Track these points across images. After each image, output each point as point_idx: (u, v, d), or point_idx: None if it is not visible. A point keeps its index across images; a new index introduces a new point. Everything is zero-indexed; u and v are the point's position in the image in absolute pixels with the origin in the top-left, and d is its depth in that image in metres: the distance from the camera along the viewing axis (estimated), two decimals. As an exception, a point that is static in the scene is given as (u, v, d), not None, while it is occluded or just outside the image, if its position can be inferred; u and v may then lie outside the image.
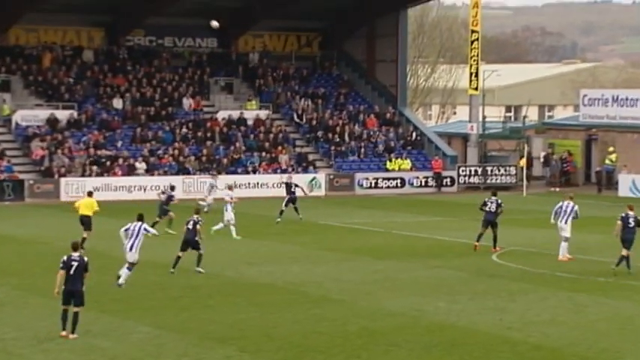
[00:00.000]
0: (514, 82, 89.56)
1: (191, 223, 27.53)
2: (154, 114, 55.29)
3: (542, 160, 59.62)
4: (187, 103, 56.77)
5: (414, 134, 58.66)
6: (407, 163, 56.06)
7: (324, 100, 59.67)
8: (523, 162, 54.74)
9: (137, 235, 25.42)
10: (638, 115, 55.33)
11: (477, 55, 58.43)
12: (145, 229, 25.55)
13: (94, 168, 50.32)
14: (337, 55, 62.58)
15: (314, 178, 53.04)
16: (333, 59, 62.57)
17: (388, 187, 54.69)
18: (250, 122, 56.55)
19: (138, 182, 50.03)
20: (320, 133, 57.15)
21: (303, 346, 20.10)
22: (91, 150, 51.59)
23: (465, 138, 60.29)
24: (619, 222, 28.23)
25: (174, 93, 57.07)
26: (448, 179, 55.58)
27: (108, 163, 50.93)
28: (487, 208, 32.20)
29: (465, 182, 55.83)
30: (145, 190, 49.47)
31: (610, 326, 21.88)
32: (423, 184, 55.13)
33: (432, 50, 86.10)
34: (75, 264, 20.15)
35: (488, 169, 56.42)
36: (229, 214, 35.15)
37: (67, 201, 47.48)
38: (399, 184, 54.79)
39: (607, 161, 55.10)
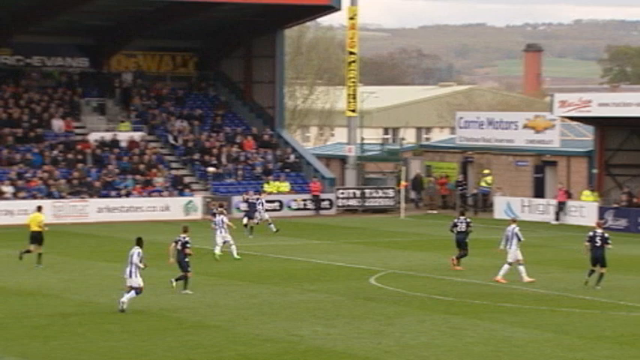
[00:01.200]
0: (391, 104, 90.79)
1: (179, 243, 27.76)
2: (22, 135, 54.14)
3: (410, 182, 60.26)
4: (57, 124, 55.78)
5: (292, 156, 58.86)
6: (285, 186, 56.17)
7: (200, 121, 59.40)
8: (403, 184, 55.46)
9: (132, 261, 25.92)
10: (512, 138, 56.72)
11: (355, 77, 59.05)
12: (139, 255, 25.73)
13: (-41, 191, 48.92)
14: (214, 75, 62.45)
15: (190, 202, 52.66)
16: (210, 80, 62.40)
17: (266, 209, 54.59)
18: (124, 144, 55.87)
19: (5, 207, 48.82)
20: (196, 155, 56.84)
21: (177, 374, 19.87)
22: (-45, 172, 50.19)
23: (343, 160, 60.78)
24: (586, 243, 29.69)
25: (43, 114, 56.00)
26: (327, 202, 55.93)
27: (-27, 186, 49.60)
28: (458, 229, 32.93)
29: (343, 205, 56.24)
30: (12, 214, 48.30)
31: (486, 349, 22.26)
32: (302, 206, 55.32)
33: (310, 71, 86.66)
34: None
35: (367, 191, 56.99)
36: (226, 236, 36.07)
37: None
38: (278, 207, 54.82)
39: (482, 183, 56.28)
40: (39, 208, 34.57)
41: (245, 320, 25.11)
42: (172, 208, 50.96)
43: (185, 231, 28.33)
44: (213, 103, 61.67)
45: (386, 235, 41.63)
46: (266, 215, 44.93)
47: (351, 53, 59.08)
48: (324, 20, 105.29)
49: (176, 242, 28.22)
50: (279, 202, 55.09)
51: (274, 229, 44.14)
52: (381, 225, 49.55)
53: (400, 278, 32.27)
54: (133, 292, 25.84)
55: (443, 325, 24.70)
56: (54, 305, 26.32)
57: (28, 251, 33.71)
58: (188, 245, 27.82)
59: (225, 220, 36.39)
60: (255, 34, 60.80)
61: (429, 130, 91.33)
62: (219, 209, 37.36)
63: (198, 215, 52.04)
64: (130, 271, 25.93)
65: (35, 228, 33.40)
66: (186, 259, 27.86)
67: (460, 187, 57.17)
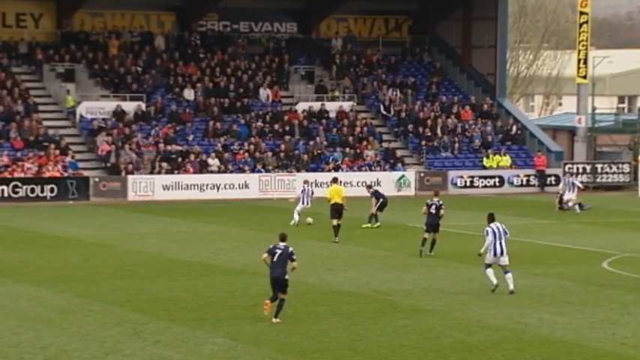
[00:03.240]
0: (628, 70, 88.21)
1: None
2: (228, 106, 55.76)
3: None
4: (265, 94, 57.13)
5: (514, 128, 58.17)
6: (506, 160, 55.59)
7: (414, 90, 59.51)
8: None
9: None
10: None
11: (586, 40, 57.69)
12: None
13: (164, 165, 50.92)
14: (429, 40, 62.37)
15: (402, 176, 52.92)
16: (425, 45, 62.37)
17: (485, 186, 54.31)
18: (333, 115, 56.67)
19: (210, 180, 50.45)
20: (409, 127, 57.02)
21: (391, 360, 20.11)
22: (161, 145, 52.23)
23: (572, 132, 59.62)
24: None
25: (249, 83, 57.48)
26: (553, 178, 54.98)
27: (179, 159, 51.50)
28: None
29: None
30: (218, 188, 49.88)
31: None
32: (525, 182, 54.63)
33: (535, 34, 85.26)
34: (278, 252, 22.90)
35: (599, 166, 55.68)
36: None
37: (135, 201, 48.19)
38: (497, 183, 54.36)
39: None
40: (335, 180, 38.30)
41: (463, 305, 25.08)
42: (384, 183, 51.30)
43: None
44: (428, 70, 61.65)
45: (620, 214, 40.60)
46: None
47: (583, 13, 57.75)
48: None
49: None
50: (500, 177, 54.59)
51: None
52: (614, 204, 48.35)
53: (637, 263, 31.42)
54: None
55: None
56: (261, 285, 27.07)
57: (336, 227, 35.09)
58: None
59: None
60: (475, -6, 60.37)
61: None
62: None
63: (411, 191, 52.22)
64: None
65: (337, 200, 35.64)
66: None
67: None
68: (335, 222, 35.54)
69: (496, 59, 60.17)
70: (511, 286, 26.21)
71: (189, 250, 33.18)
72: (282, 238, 23.19)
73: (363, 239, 36.26)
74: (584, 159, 57.08)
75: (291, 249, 22.98)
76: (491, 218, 26.84)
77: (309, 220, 38.84)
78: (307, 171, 51.96)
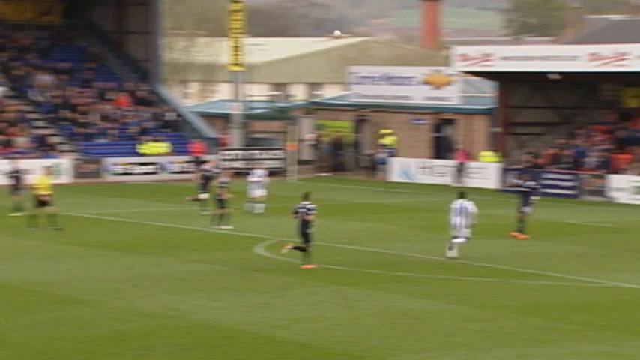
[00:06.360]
0: (280, 58, 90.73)
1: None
2: None
3: (311, 143, 60.56)
4: None
5: (171, 114, 58.42)
6: (163, 147, 55.76)
7: (68, 75, 58.45)
8: (293, 145, 55.49)
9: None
10: (410, 94, 57.27)
11: (240, 28, 58.76)
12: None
13: None
14: (85, 25, 61.41)
15: (52, 165, 51.83)
16: (80, 30, 61.36)
17: (143, 173, 54.22)
18: (-18, 100, 54.70)
19: None
20: (64, 113, 55.96)
21: (43, 353, 19.67)
22: None
23: (227, 119, 60.60)
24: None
25: None
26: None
27: None
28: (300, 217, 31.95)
29: (228, 167, 56.09)
30: None
31: (380, 321, 22.58)
32: (182, 169, 55.02)
33: (190, 21, 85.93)
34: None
35: (253, 152, 56.96)
36: None
37: None
38: (154, 170, 54.43)
39: (384, 143, 56.62)
40: None
41: (120, 294, 24.97)
42: (36, 171, 49.78)
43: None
44: (83, 56, 60.70)
45: (274, 200, 41.69)
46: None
47: (235, 1, 58.74)
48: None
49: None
50: (157, 164, 54.69)
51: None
52: (268, 189, 49.59)
53: (289, 246, 32.39)
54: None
55: (335, 297, 24.94)
56: None
57: None
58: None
59: None
60: (129, -22, 60.06)
61: (320, 86, 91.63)
62: None
63: (66, 179, 51.27)
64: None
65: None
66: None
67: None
68: None
69: (151, 45, 60.13)
70: None
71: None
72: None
73: (12, 229, 35.24)
74: (239, 145, 58.18)
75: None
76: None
77: None
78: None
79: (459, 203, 30.27)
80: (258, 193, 40.29)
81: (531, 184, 35.22)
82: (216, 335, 21.13)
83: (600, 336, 21.38)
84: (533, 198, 34.73)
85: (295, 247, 28.83)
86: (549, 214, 40.13)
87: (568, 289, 26.40)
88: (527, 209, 34.50)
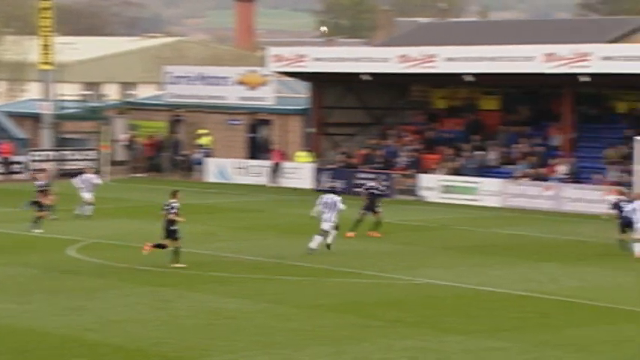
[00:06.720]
0: (92, 57, 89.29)
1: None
2: None
3: (125, 143, 59.77)
4: None
5: (-23, 114, 56.72)
6: (-30, 148, 54.10)
7: None
8: (106, 146, 54.64)
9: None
10: (225, 94, 57.20)
11: (50, 26, 57.51)
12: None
13: None
14: None
15: None
16: None
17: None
18: None
19: None
20: None
21: None
22: None
23: (37, 119, 59.22)
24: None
25: None
26: (19, 165, 54.34)
27: None
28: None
29: (40, 168, 54.86)
30: None
31: (196, 322, 22.47)
32: (-10, 171, 53.50)
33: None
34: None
35: (65, 153, 55.84)
36: None
37: None
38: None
39: (200, 144, 56.34)
40: None
41: None
42: None
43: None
44: None
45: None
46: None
47: (45, -1, 57.50)
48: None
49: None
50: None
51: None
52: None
53: (103, 248, 31.94)
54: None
55: (150, 298, 24.70)
56: None
57: None
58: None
59: None
60: None
61: (134, 85, 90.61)
62: None
63: None
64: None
65: None
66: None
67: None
68: None
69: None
70: None
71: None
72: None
73: None
74: (50, 146, 56.95)
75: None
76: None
77: None
78: None
79: (329, 197, 31.39)
80: (87, 195, 39.64)
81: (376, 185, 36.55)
82: (24, 340, 20.61)
83: (411, 332, 21.83)
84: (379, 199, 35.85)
85: (155, 246, 28.51)
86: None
87: (381, 286, 26.86)
88: (378, 210, 35.49)
